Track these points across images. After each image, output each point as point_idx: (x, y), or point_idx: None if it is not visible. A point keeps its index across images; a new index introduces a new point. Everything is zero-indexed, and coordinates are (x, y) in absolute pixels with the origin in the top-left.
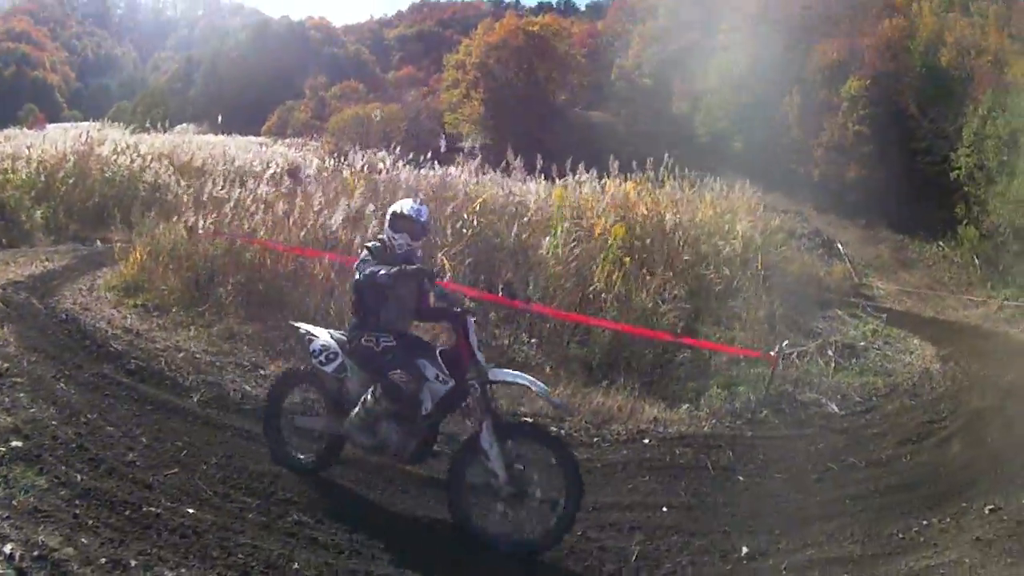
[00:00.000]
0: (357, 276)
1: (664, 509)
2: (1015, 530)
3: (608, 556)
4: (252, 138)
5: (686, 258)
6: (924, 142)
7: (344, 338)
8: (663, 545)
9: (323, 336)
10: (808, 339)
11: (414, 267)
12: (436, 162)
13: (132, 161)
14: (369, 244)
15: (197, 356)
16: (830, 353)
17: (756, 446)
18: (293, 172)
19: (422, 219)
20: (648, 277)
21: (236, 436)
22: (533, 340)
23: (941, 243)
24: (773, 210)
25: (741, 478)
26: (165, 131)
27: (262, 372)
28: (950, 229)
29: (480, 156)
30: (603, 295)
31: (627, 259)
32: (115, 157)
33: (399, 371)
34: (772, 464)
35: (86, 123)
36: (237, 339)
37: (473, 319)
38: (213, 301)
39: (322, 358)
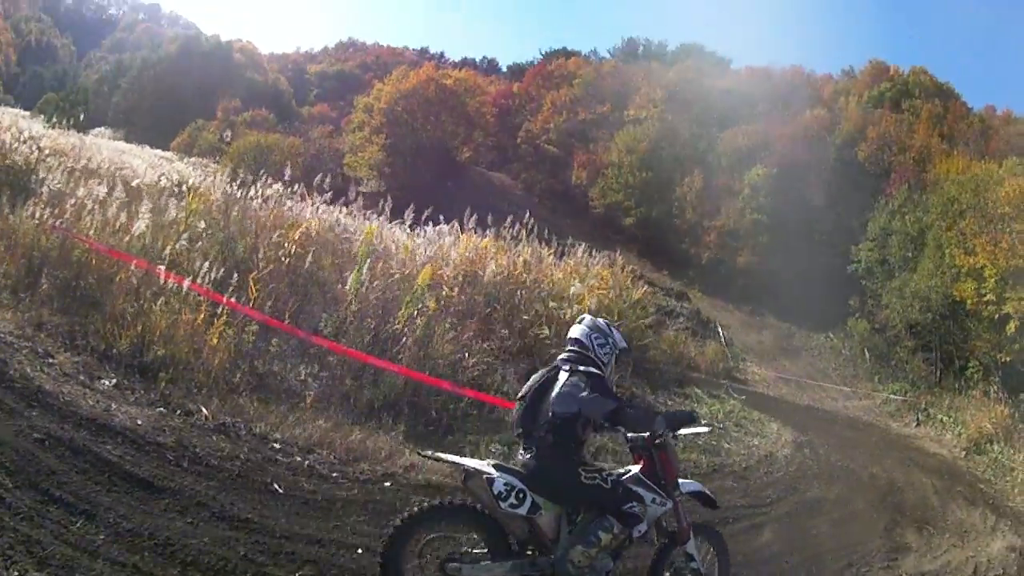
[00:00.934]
0: (582, 409)
1: (359, 551)
2: None
3: None
4: (160, 152)
5: (524, 317)
6: (825, 235)
7: (510, 469)
8: None
9: (493, 471)
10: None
11: (644, 407)
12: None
13: (31, 153)
14: (592, 371)
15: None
16: None
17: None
18: None
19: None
20: (459, 328)
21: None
22: (318, 373)
23: (831, 334)
24: (657, 287)
25: None
26: (81, 131)
27: (50, 361)
28: (840, 321)
29: (362, 199)
30: (403, 338)
31: (433, 304)
32: (15, 145)
33: (633, 503)
34: None
35: (14, 109)
36: (43, 328)
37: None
38: (36, 291)
39: (513, 499)
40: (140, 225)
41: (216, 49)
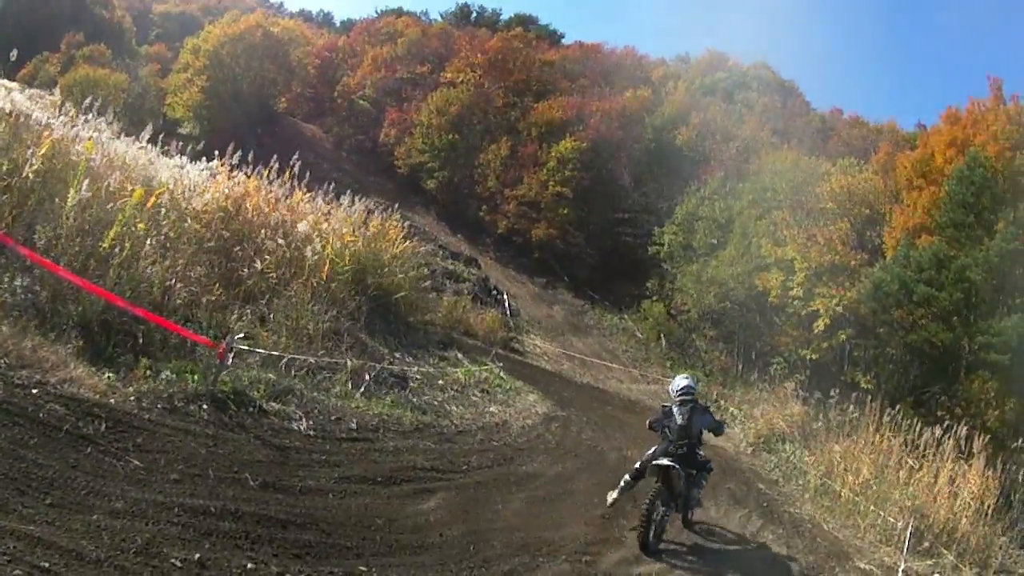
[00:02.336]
0: (715, 429)
1: None
2: None
3: None
4: (7, 82)
5: (266, 257)
6: (629, 213)
7: (674, 457)
8: None
9: (675, 464)
10: (377, 362)
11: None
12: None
13: None
14: (708, 407)
15: None
16: (368, 377)
17: (158, 435)
18: None
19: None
20: (175, 256)
21: None
22: (30, 285)
23: (625, 315)
24: (447, 251)
25: (136, 462)
26: None
27: None
28: (637, 303)
29: (176, 141)
30: (111, 258)
31: (142, 226)
32: None
33: (710, 464)
34: (172, 460)
35: None
36: None
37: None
38: None
39: (680, 470)
40: None
41: None
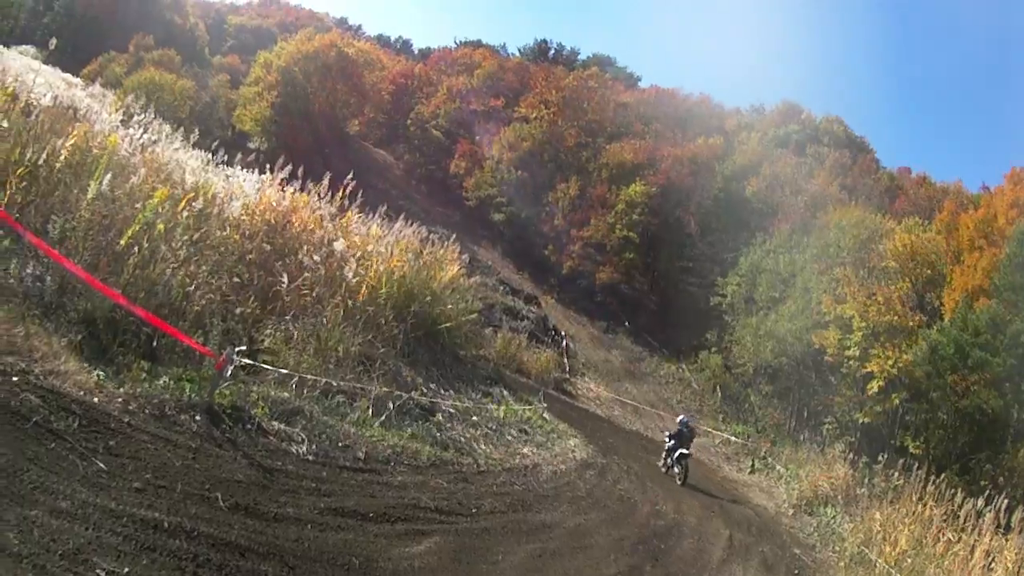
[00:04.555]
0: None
1: None
2: None
3: None
4: (71, 77)
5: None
6: (694, 262)
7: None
8: None
9: (686, 450)
10: (406, 392)
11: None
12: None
13: None
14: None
15: None
16: (390, 406)
17: (134, 440)
18: None
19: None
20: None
21: None
22: (40, 274)
23: (683, 365)
24: (508, 286)
25: (101, 464)
26: (4, 45)
27: None
28: (695, 353)
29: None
30: (129, 257)
31: (161, 226)
32: None
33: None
34: (141, 467)
35: None
36: None
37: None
38: None
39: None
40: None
41: None
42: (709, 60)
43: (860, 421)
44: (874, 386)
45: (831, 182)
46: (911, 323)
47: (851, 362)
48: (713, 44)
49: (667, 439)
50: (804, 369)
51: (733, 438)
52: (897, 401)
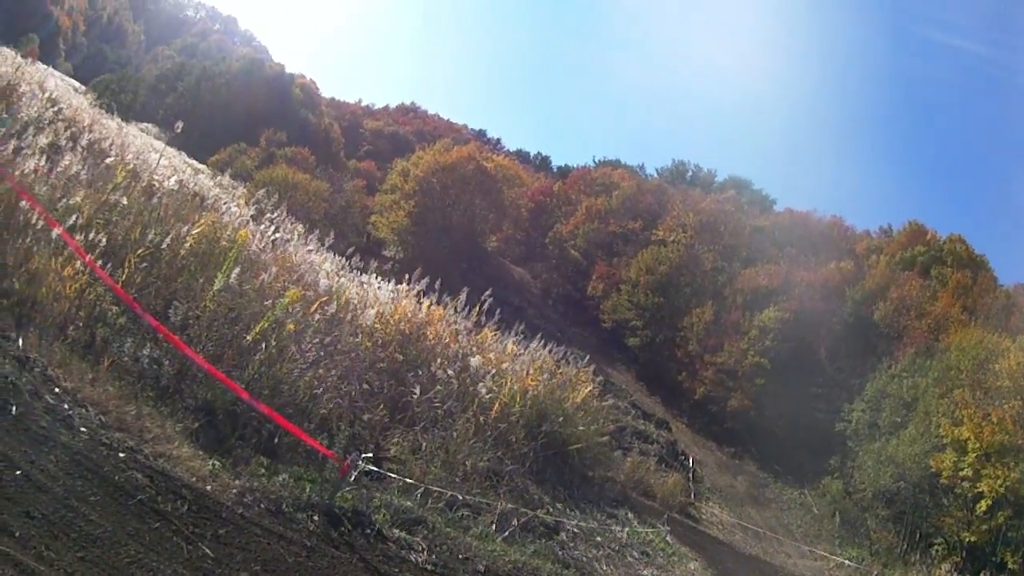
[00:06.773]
0: None
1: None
2: None
3: None
4: (196, 163)
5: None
6: (823, 389)
7: None
8: None
9: None
10: (532, 509)
11: None
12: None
13: (56, 114)
14: None
15: None
16: (515, 523)
17: (245, 531)
18: None
19: None
20: (326, 365)
21: None
22: (158, 357)
23: (805, 490)
24: (639, 411)
25: (207, 550)
26: (125, 119)
27: None
28: (818, 479)
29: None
30: (256, 353)
31: (291, 326)
32: (47, 108)
33: None
34: (250, 559)
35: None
36: None
37: None
38: None
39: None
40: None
41: (277, 78)
42: (840, 180)
43: (967, 541)
44: (983, 505)
45: (954, 303)
46: (1021, 441)
47: (964, 483)
48: (844, 165)
49: None
50: (919, 492)
51: (848, 562)
52: (1002, 519)
